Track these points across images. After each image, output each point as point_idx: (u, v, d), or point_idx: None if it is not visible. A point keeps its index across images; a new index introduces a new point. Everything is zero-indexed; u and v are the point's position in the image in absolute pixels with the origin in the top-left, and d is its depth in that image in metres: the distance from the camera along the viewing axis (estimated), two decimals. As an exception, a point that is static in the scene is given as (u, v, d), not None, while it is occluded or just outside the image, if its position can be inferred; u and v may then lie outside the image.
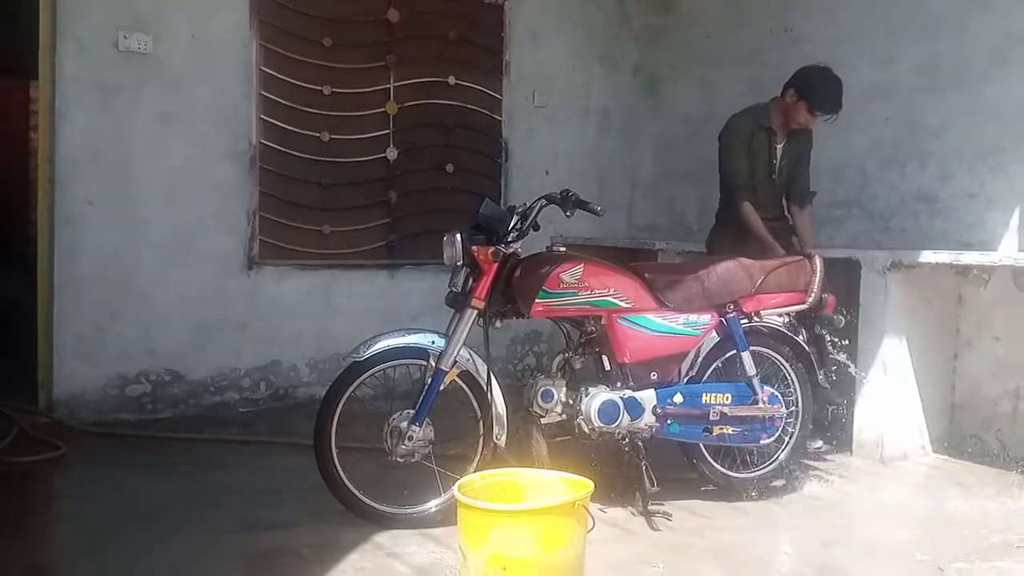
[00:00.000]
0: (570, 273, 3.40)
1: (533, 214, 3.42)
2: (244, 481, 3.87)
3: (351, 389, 3.29)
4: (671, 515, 3.43)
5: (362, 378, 3.30)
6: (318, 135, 5.37)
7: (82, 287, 4.72)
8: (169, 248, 4.94)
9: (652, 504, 3.44)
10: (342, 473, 3.27)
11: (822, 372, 3.82)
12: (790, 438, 3.82)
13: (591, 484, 2.66)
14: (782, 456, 3.81)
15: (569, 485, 2.72)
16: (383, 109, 5.60)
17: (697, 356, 3.68)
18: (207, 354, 5.06)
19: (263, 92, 5.18)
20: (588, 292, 3.43)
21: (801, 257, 3.85)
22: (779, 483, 3.84)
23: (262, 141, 5.19)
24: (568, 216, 3.47)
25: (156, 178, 4.89)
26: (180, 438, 4.53)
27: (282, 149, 5.26)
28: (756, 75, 5.62)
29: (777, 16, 5.55)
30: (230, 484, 3.83)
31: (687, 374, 3.66)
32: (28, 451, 4.12)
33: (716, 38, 5.99)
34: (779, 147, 4.33)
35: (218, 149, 5.06)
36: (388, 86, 5.61)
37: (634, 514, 3.45)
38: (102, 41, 4.72)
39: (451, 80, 5.83)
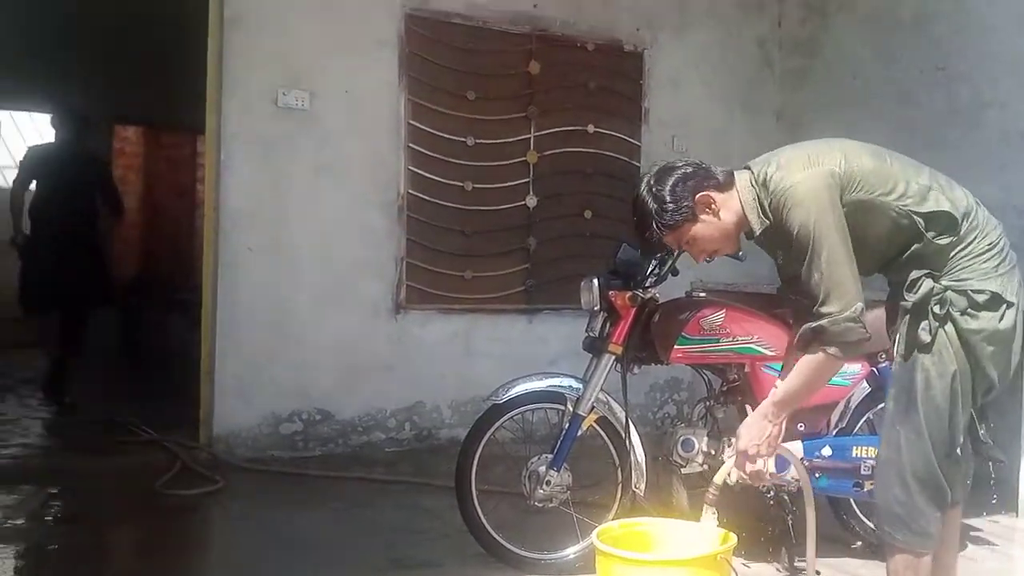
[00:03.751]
0: (711, 319, 3.35)
1: (672, 259, 3.39)
2: (390, 519, 3.97)
3: (490, 432, 3.34)
4: (819, 573, 3.30)
5: (501, 421, 3.35)
6: (462, 184, 5.53)
7: (241, 330, 4.99)
8: (322, 293, 5.17)
9: (798, 560, 3.31)
10: (482, 516, 3.31)
11: (983, 426, 3.60)
12: (949, 496, 3.60)
13: (734, 537, 2.60)
14: (940, 515, 3.60)
15: (711, 537, 2.66)
16: (524, 158, 5.72)
17: (847, 407, 3.54)
18: (356, 395, 5.24)
19: (411, 144, 5.39)
20: (730, 339, 3.36)
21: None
22: (937, 543, 3.62)
23: (409, 191, 5.39)
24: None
25: (311, 226, 5.15)
26: (329, 476, 4.69)
27: (427, 198, 5.44)
28: (907, 116, 5.43)
29: (928, 54, 5.35)
30: (377, 522, 3.94)
31: (836, 426, 3.52)
32: (189, 484, 4.37)
33: (863, 79, 5.82)
34: None
35: (368, 199, 5.29)
36: (529, 136, 5.74)
37: (779, 570, 3.34)
38: (263, 98, 5.03)
39: (590, 128, 5.91)
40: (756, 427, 2.50)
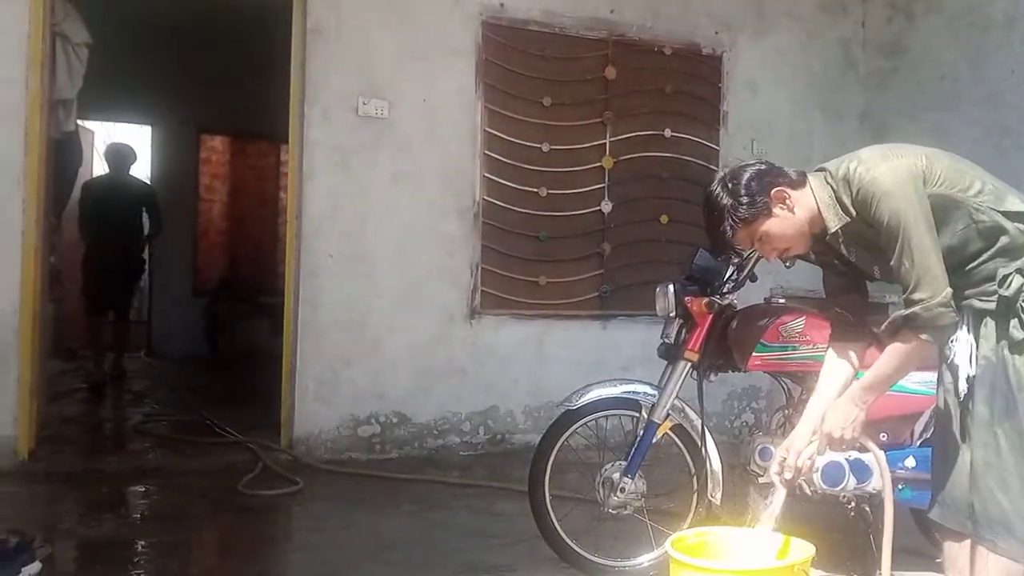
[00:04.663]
0: (790, 326, 3.28)
1: (750, 265, 3.34)
2: (463, 523, 4.01)
3: (564, 437, 3.33)
4: (901, 586, 3.20)
5: (575, 427, 3.34)
6: (536, 191, 5.55)
7: (321, 334, 5.10)
8: (399, 298, 5.25)
9: (879, 574, 3.22)
10: (556, 521, 3.31)
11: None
12: (1042, 511, 3.46)
13: (813, 548, 2.54)
14: (1032, 531, 3.46)
15: (789, 548, 2.61)
16: (599, 164, 5.71)
17: (931, 417, 3.43)
18: (431, 399, 5.30)
19: (486, 151, 5.43)
20: (810, 346, 3.29)
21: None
22: (1029, 561, 3.48)
23: (485, 198, 5.43)
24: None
25: (389, 233, 5.23)
26: (405, 479, 4.75)
27: (503, 205, 5.48)
28: (997, 117, 5.26)
29: (1020, 53, 5.17)
30: (450, 525, 3.98)
31: (920, 436, 3.42)
32: (270, 485, 4.48)
33: (951, 80, 5.65)
34: None
35: (445, 206, 5.35)
36: (604, 141, 5.72)
37: (860, 583, 3.25)
38: (344, 108, 5.14)
39: (667, 133, 5.86)
40: (843, 410, 2.50)
